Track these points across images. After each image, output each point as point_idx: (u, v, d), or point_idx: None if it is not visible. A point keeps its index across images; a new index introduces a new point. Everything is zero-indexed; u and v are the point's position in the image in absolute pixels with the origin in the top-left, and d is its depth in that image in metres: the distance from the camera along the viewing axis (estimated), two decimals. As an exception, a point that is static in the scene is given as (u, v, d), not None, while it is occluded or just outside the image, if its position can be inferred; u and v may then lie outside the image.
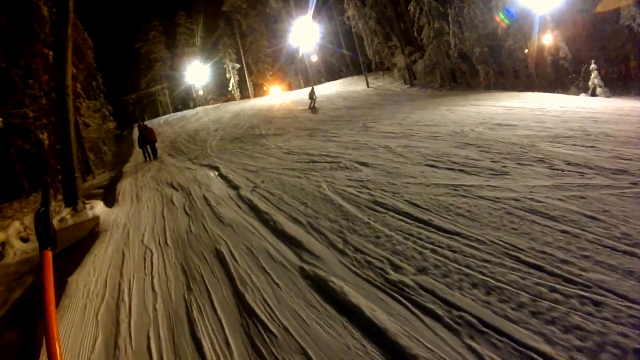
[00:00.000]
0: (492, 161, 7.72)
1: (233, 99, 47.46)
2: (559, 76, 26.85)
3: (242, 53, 48.34)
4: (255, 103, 36.46)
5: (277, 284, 4.55)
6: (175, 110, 50.12)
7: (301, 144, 14.04)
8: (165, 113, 49.09)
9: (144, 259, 6.26)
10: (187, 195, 9.80)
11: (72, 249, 7.78)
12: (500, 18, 28.07)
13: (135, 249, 6.75)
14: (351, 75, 41.64)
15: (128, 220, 8.68)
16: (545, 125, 10.95)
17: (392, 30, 36.27)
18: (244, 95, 49.07)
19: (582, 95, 22.80)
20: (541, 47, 27.05)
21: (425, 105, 20.69)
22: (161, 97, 53.41)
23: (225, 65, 48.89)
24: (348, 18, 36.72)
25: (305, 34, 40.66)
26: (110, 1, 54.51)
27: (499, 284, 3.60)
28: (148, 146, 19.28)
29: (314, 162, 10.52)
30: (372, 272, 4.33)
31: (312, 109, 26.10)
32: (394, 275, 4.13)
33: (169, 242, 6.77)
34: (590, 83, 23.51)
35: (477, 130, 11.19)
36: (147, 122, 31.00)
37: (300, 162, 10.90)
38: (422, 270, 4.11)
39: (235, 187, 9.40)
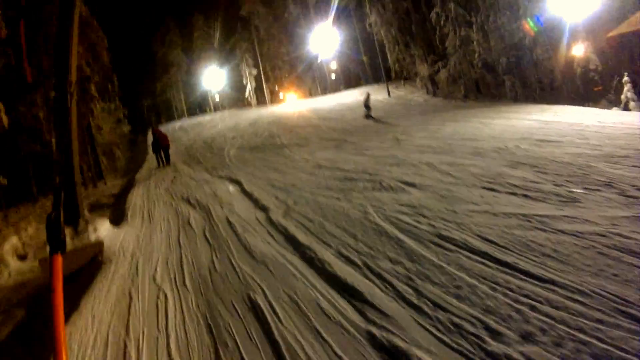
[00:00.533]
0: (554, 184, 6.41)
1: (249, 105, 46.24)
2: (588, 89, 25.24)
3: (259, 59, 47.15)
4: (273, 110, 35.17)
5: (340, 358, 3.29)
6: (191, 115, 48.98)
7: (330, 157, 12.65)
8: (180, 118, 47.98)
9: (157, 306, 4.90)
10: (206, 216, 8.42)
11: (67, 282, 6.32)
12: (530, 26, 26.53)
13: (145, 291, 5.38)
14: (370, 84, 40.17)
15: (137, 247, 7.30)
16: (591, 142, 9.51)
17: (414, 38, 34.84)
18: (261, 102, 47.85)
19: (615, 109, 21.15)
20: (570, 58, 25.47)
21: (455, 117, 19.18)
22: (177, 102, 52.34)
23: (242, 71, 47.73)
24: (370, 25, 35.31)
25: (324, 41, 39.33)
26: (126, 4, 53.65)
27: (625, 355, 2.77)
28: (162, 151, 18.71)
29: (351, 179, 9.11)
30: (465, 341, 3.21)
31: (372, 118, 22.66)
32: (494, 346, 3.09)
33: (187, 282, 5.38)
34: (622, 96, 21.93)
35: (522, 147, 9.73)
36: (162, 127, 29.92)
37: (335, 179, 9.50)
38: (527, 337, 3.12)
39: (264, 209, 7.99)
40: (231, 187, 10.76)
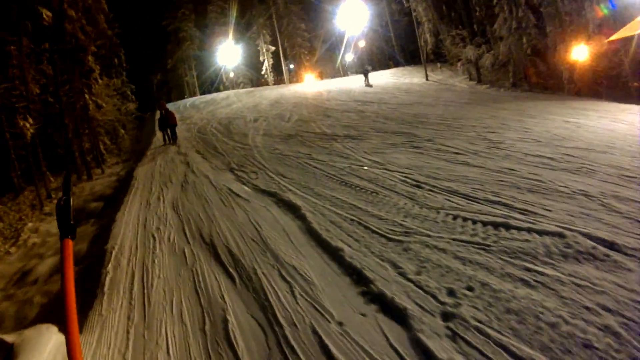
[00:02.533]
0: None
1: (265, 83, 41.25)
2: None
3: (277, 35, 42.04)
4: (295, 89, 30.25)
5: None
6: (203, 92, 44.06)
7: (415, 163, 8.34)
8: (191, 95, 43.11)
9: None
10: (262, 315, 3.85)
11: None
12: (599, 8, 21.39)
13: None
14: (402, 66, 35.13)
15: None
16: None
17: (458, 17, 29.73)
18: (278, 81, 42.91)
19: None
20: (644, 48, 20.47)
21: (525, 110, 15.25)
22: (188, 78, 47.29)
23: (258, 48, 42.73)
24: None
25: (353, 16, 34.11)
26: (139, -26, 48.24)
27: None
28: (168, 129, 17.39)
29: (498, 223, 4.83)
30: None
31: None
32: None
33: None
34: None
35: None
36: (171, 104, 25.58)
37: (461, 214, 5.27)
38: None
39: (382, 299, 3.55)
40: (287, 221, 6.12)
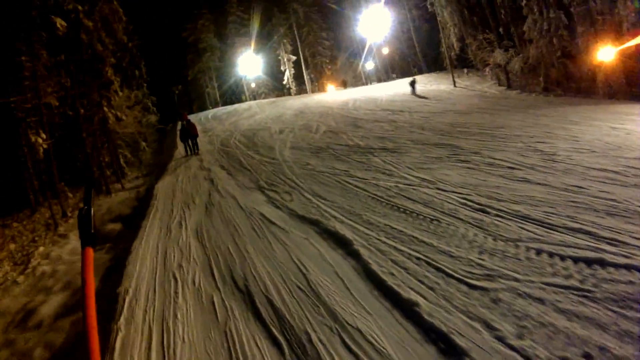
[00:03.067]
0: None
1: (287, 93, 40.35)
2: None
3: (299, 44, 41.17)
4: (319, 99, 29.19)
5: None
6: (224, 103, 43.36)
7: (468, 181, 7.27)
8: (213, 106, 42.44)
9: None
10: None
11: None
12: (634, 2, 19.86)
13: None
14: (425, 72, 33.80)
15: None
16: None
17: (484, 21, 28.38)
18: (300, 90, 41.99)
19: None
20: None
21: (565, 116, 14.23)
22: (209, 89, 46.70)
23: (279, 57, 41.91)
24: (432, 4, 28.95)
25: (375, 23, 32.99)
26: (158, -13, 48.02)
27: None
28: (190, 140, 17.19)
29: (589, 262, 4.01)
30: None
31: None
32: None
33: None
34: None
35: None
36: (193, 116, 24.83)
37: (544, 248, 4.31)
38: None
39: None
40: (338, 260, 4.93)
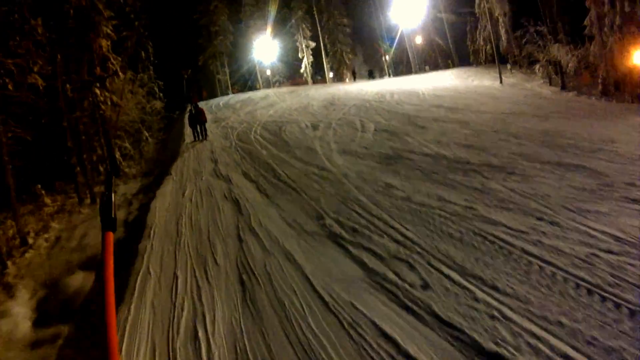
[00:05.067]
0: None
1: (304, 82, 36.00)
2: None
3: (319, 30, 36.79)
4: (346, 89, 24.92)
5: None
6: (237, 92, 39.09)
7: None
8: (223, 94, 38.18)
9: None
10: None
11: None
12: None
13: None
14: (458, 66, 29.54)
15: None
16: None
17: (535, 11, 23.96)
18: (318, 80, 37.79)
19: None
20: None
21: None
22: (221, 75, 42.24)
23: (297, 43, 37.55)
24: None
25: (408, 8, 28.58)
26: (168, -35, 43.27)
27: None
28: (198, 126, 15.93)
29: None
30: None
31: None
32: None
33: None
34: None
35: None
36: (203, 103, 21.45)
37: None
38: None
39: None
40: None
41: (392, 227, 4.90)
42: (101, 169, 15.75)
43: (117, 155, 17.00)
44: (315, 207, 6.08)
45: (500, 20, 24.44)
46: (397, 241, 4.49)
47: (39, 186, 12.56)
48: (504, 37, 24.43)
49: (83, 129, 15.23)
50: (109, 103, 16.11)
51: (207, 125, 16.45)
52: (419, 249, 4.20)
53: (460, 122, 12.18)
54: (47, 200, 12.51)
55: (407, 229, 4.76)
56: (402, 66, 35.09)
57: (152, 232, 6.29)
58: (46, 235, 8.96)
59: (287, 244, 4.89)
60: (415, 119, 13.25)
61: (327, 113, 16.60)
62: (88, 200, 11.78)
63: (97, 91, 14.30)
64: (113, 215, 1.24)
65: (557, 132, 10.15)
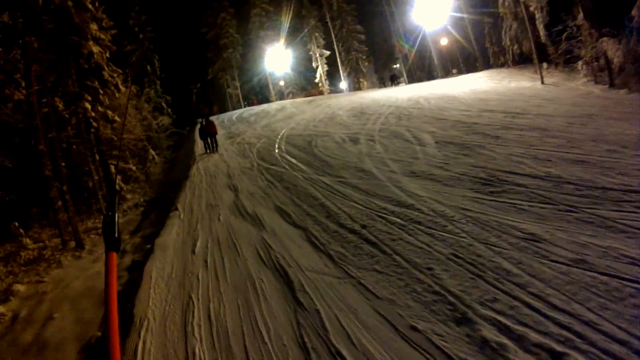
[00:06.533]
0: None
1: (319, 92, 33.15)
2: None
3: (333, 38, 34.05)
4: (371, 97, 22.00)
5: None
6: (247, 105, 36.37)
7: None
8: (235, 108, 35.49)
9: None
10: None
11: None
12: None
13: None
14: (482, 69, 26.55)
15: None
16: None
17: (570, 4, 20.92)
18: (334, 89, 35.03)
19: None
20: None
21: None
22: (231, 89, 39.49)
23: (310, 52, 34.85)
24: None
25: (431, 9, 25.68)
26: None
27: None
28: (209, 138, 14.74)
29: None
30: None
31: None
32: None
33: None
34: None
35: None
36: (214, 117, 19.23)
37: None
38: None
39: None
40: None
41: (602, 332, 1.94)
42: (99, 195, 12.99)
43: (118, 179, 14.18)
44: (435, 289, 3.13)
45: (537, 15, 21.48)
46: None
47: (16, 224, 9.82)
48: (542, 33, 21.46)
49: (75, 149, 12.49)
50: (106, 120, 13.37)
51: (221, 142, 15.04)
52: None
53: (535, 129, 9.19)
54: (28, 241, 9.72)
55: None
56: (421, 72, 32.06)
57: (140, 344, 3.36)
58: (3, 309, 6.09)
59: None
60: (475, 126, 10.30)
61: (361, 124, 13.71)
62: (73, 243, 8.90)
63: (88, 105, 11.49)
64: (116, 235, 1.26)
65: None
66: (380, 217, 5.14)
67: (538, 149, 7.30)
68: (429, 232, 4.48)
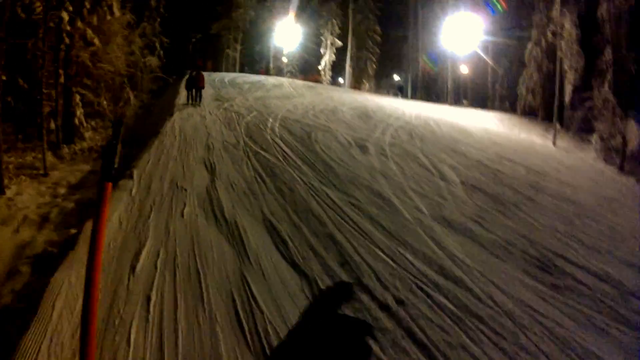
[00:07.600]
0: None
1: (317, 80, 31.02)
2: None
3: (350, 30, 31.97)
4: (377, 102, 20.10)
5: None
6: (242, 71, 33.84)
7: None
8: (230, 71, 32.86)
9: None
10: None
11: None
12: None
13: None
14: (495, 108, 25.30)
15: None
16: None
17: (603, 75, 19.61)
18: (334, 82, 33.11)
19: None
20: None
21: None
22: (231, 50, 36.60)
23: (322, 37, 32.63)
24: (549, 19, 20.64)
25: (460, 36, 24.02)
26: None
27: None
28: (194, 90, 13.97)
29: None
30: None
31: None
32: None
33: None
34: None
35: None
36: (206, 74, 17.77)
37: None
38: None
39: None
40: None
41: None
42: (52, 125, 10.68)
43: (78, 112, 11.84)
44: None
45: (569, 76, 20.15)
46: None
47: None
48: (568, 96, 20.19)
49: (37, 65, 10.14)
50: (84, 41, 11.00)
51: (206, 103, 13.98)
52: None
53: (566, 201, 7.67)
54: None
55: None
56: (425, 92, 30.46)
57: None
58: None
59: None
60: (501, 175, 8.73)
61: (368, 129, 11.97)
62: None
63: (65, 16, 9.15)
64: (116, 166, 1.18)
65: None
66: (421, 290, 3.38)
67: (582, 233, 5.77)
68: (497, 341, 2.79)
